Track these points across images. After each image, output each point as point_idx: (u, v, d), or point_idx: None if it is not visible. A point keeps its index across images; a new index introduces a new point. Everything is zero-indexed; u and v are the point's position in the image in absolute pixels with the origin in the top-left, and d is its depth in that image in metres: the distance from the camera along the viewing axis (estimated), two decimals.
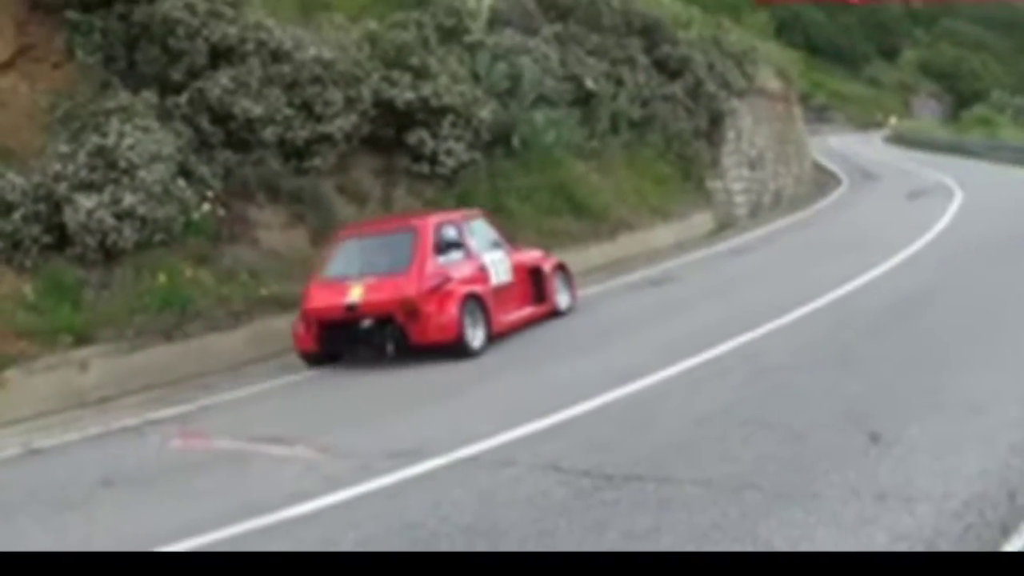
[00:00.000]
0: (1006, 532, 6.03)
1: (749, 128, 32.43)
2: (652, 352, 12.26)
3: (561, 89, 22.91)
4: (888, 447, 7.77)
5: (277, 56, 16.29)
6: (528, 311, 15.10)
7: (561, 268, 16.17)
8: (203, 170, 14.64)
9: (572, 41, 24.72)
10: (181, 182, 14.19)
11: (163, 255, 14.39)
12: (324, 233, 15.94)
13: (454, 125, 18.66)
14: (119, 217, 13.89)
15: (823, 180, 42.53)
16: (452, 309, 13.23)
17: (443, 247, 13.96)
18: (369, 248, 13.94)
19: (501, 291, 14.49)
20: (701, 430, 8.75)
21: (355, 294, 13.19)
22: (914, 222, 21.97)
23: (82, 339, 13.17)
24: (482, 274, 14.33)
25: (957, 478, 6.96)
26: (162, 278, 14.06)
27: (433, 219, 14.36)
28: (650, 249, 23.00)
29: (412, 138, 18.27)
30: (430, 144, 18.36)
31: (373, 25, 18.75)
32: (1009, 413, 8.36)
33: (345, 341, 13.42)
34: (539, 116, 21.36)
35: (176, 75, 15.41)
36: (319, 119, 16.33)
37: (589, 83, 23.84)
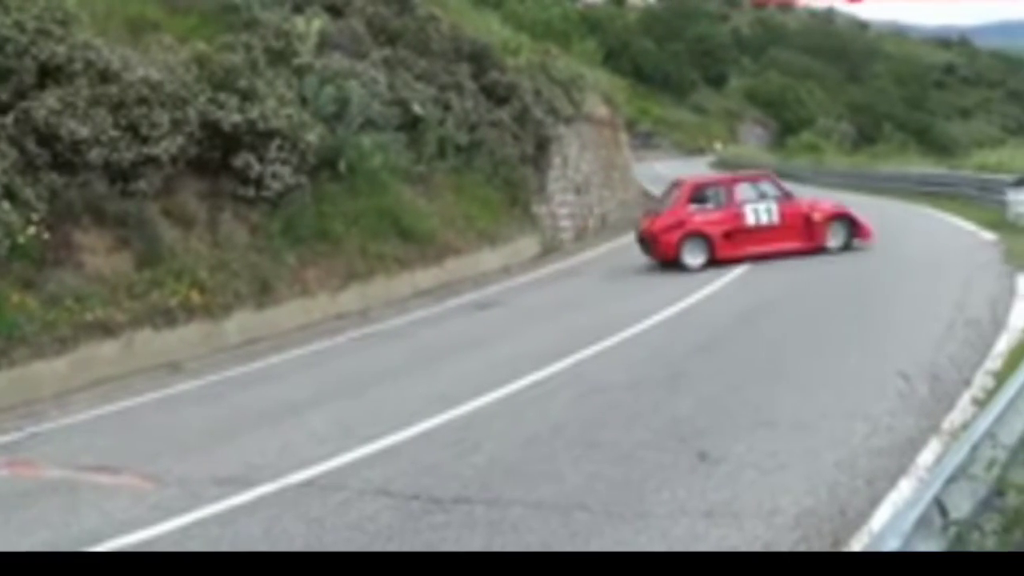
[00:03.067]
0: (837, 546, 6.45)
1: (575, 154, 33.17)
2: (479, 375, 12.71)
3: (389, 113, 23.08)
4: (716, 464, 8.26)
5: (105, 76, 16.19)
6: (789, 245, 21.53)
7: (838, 218, 22.01)
8: (28, 193, 14.47)
9: (400, 66, 25.03)
10: (6, 205, 14.04)
11: None
12: (149, 257, 16.00)
13: (280, 148, 18.68)
14: None
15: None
16: (673, 239, 21.54)
17: (699, 199, 22.23)
18: (668, 195, 23.68)
19: (756, 230, 21.71)
20: (529, 451, 9.14)
21: (645, 223, 22.98)
22: None
23: None
24: (736, 219, 21.70)
25: (785, 494, 7.47)
26: None
27: (694, 181, 24.09)
28: (477, 273, 23.43)
29: (238, 161, 18.25)
30: (256, 168, 18.35)
31: (202, 46, 18.66)
32: (836, 430, 8.98)
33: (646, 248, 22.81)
34: (366, 140, 21.46)
35: (3, 95, 15.27)
36: (145, 141, 16.25)
37: (417, 108, 24.12)
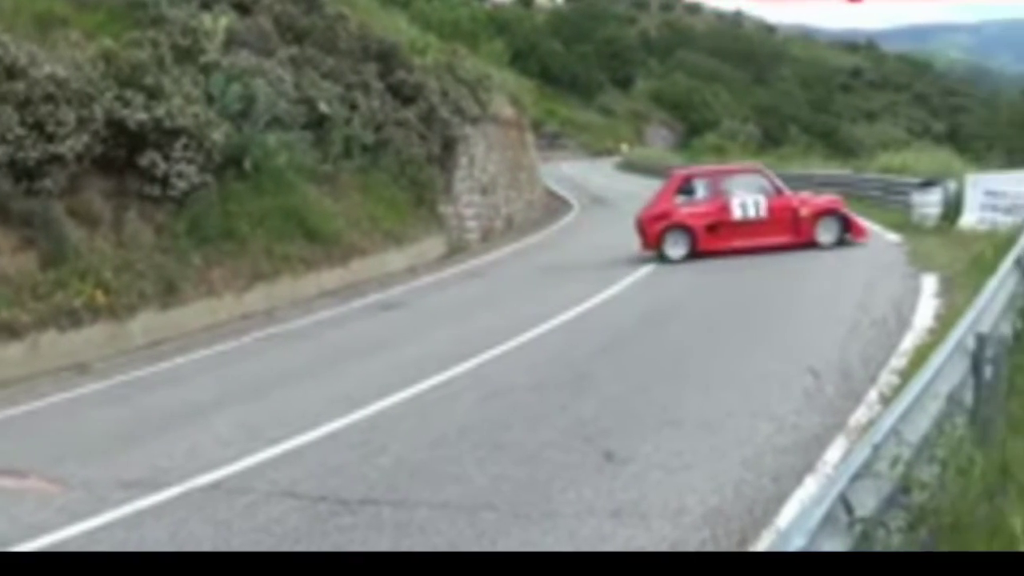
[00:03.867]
0: (744, 544, 6.61)
1: (482, 154, 33.42)
2: (384, 376, 12.80)
3: (295, 112, 23.08)
4: (622, 465, 8.38)
5: (12, 73, 16.01)
6: (776, 240, 21.55)
7: (828, 214, 22.00)
8: None
9: (308, 64, 25.07)
10: None
11: None
12: (54, 257, 15.91)
13: (187, 147, 18.56)
14: None
15: (555, 205, 44.11)
16: (656, 229, 22.08)
17: (687, 190, 22.62)
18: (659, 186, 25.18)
19: (742, 224, 21.86)
20: (435, 453, 9.27)
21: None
22: None
23: None
24: (722, 212, 21.92)
25: (692, 493, 7.59)
26: None
27: (683, 172, 24.85)
28: (383, 274, 23.51)
29: (144, 160, 18.10)
30: (162, 166, 18.22)
31: (109, 43, 18.46)
32: (741, 429, 9.15)
33: None
34: (272, 139, 21.42)
35: None
36: (51, 139, 16.08)
37: (323, 106, 24.16)
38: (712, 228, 21.98)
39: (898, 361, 10.88)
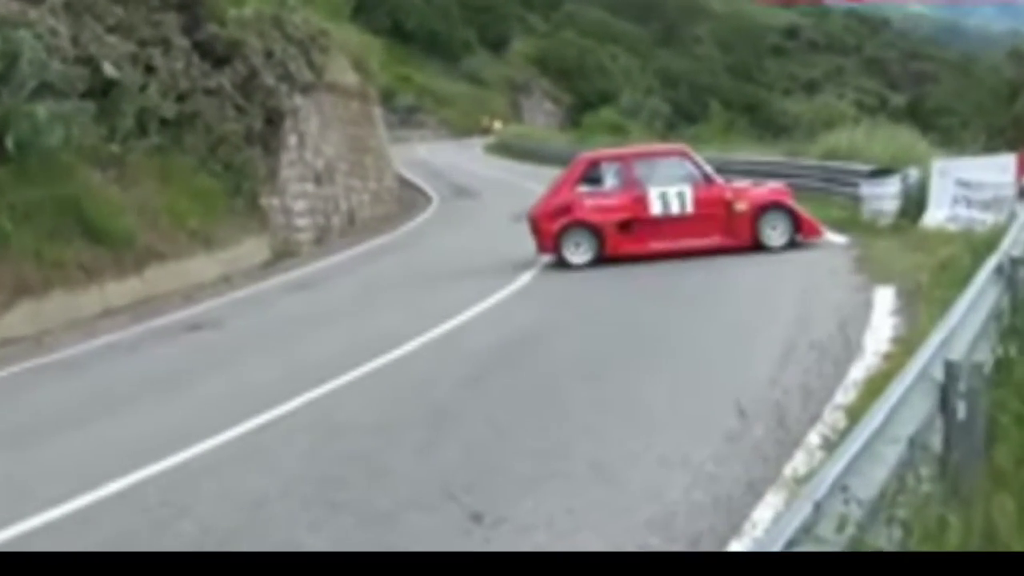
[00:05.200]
0: None
1: (316, 132, 33.47)
2: (189, 418, 12.66)
3: (72, 75, 22.73)
4: (495, 527, 8.29)
5: None
6: (706, 242, 21.61)
7: (773, 207, 21.96)
8: None
9: (88, 13, 24.68)
10: None
11: None
12: None
13: None
14: None
15: (409, 198, 44.45)
16: (553, 228, 21.88)
17: (593, 178, 22.57)
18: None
19: (664, 221, 21.82)
20: (254, 516, 9.14)
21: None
22: (518, 247, 23.39)
23: None
24: (637, 205, 21.90)
25: None
26: None
27: (589, 156, 24.28)
28: (188, 285, 23.38)
29: None
30: None
31: None
32: (647, 481, 9.12)
33: None
34: (41, 110, 21.06)
35: None
36: None
37: (109, 69, 23.83)
38: (625, 226, 21.95)
39: (845, 395, 10.85)
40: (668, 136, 60.79)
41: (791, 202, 22.43)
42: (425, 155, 62.44)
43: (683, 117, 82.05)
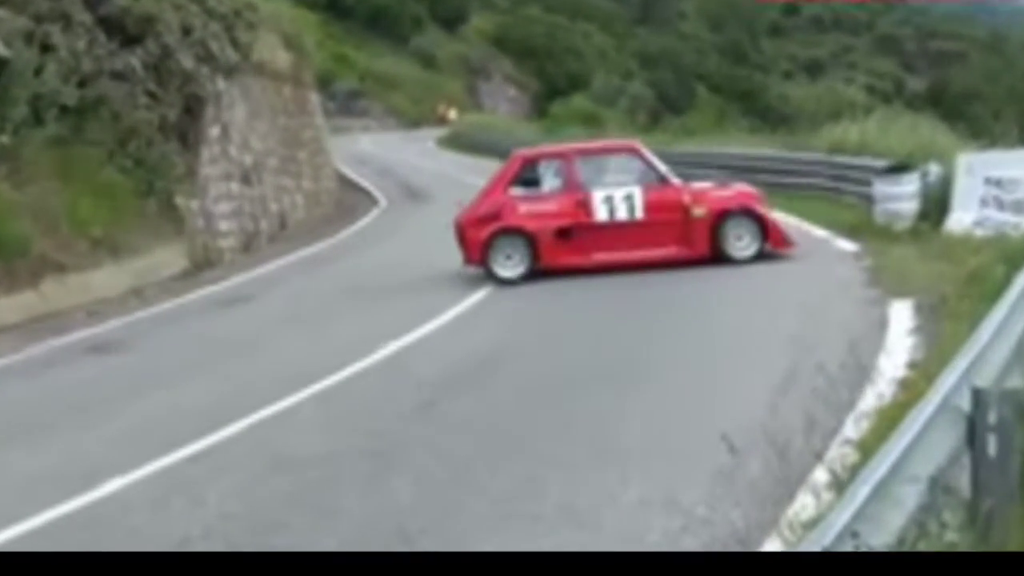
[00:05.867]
0: None
1: (242, 123, 33.45)
2: (98, 451, 12.56)
3: None
4: None
5: None
6: (659, 252, 21.27)
7: (737, 213, 21.51)
8: None
9: None
10: None
11: None
12: None
13: None
14: None
15: (351, 200, 44.67)
16: (481, 237, 21.49)
17: (529, 179, 22.19)
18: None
19: (610, 228, 21.46)
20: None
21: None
22: None
23: None
24: (579, 210, 21.59)
25: None
26: None
27: (524, 153, 23.82)
28: (93, 300, 23.15)
29: None
30: None
31: None
32: (626, 527, 9.04)
33: None
34: None
35: None
36: None
37: (0, 48, 23.57)
38: (564, 234, 21.59)
39: (856, 427, 10.85)
40: (651, 129, 60.86)
41: (759, 207, 22.01)
42: (369, 148, 62.76)
43: (668, 106, 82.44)
